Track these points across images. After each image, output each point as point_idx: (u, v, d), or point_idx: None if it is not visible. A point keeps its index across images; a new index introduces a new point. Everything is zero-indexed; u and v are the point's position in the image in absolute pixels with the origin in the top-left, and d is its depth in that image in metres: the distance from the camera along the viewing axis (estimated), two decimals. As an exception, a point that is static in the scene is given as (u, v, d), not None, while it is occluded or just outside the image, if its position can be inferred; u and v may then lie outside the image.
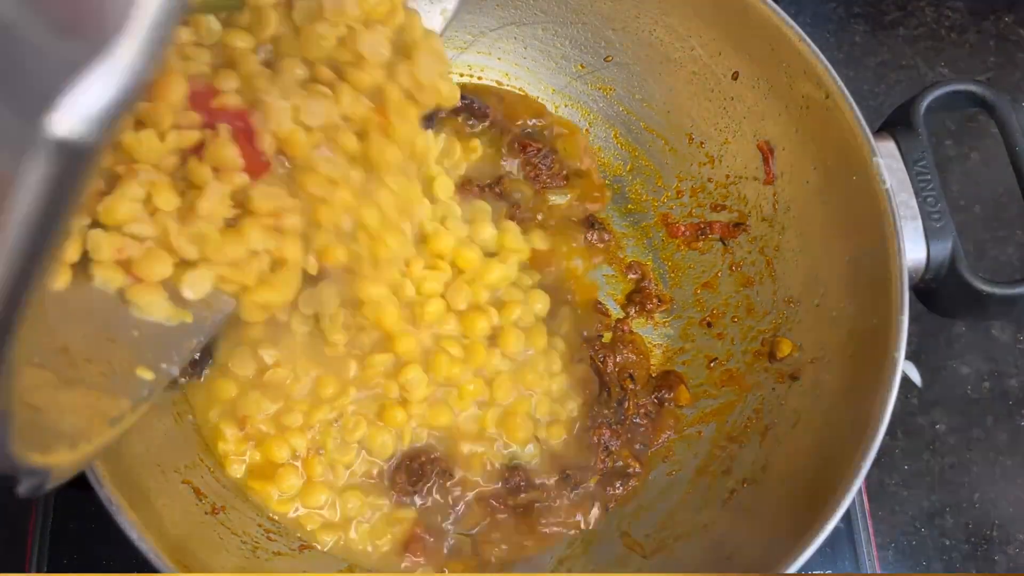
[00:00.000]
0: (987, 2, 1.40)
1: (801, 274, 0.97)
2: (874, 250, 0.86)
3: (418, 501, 0.91)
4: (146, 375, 0.68)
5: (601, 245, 1.07)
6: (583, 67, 1.10)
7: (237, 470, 0.90)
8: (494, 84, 1.13)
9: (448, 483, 0.92)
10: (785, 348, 0.96)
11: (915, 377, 1.18)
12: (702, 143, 1.06)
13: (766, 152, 1.00)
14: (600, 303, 1.04)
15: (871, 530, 1.02)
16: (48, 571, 0.94)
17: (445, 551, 0.91)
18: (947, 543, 1.12)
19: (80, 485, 0.92)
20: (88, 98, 0.33)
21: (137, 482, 0.79)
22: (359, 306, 0.86)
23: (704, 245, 1.07)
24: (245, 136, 0.69)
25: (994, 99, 0.92)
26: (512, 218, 1.03)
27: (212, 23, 0.73)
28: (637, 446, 0.98)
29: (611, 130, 1.13)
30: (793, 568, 0.76)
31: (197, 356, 0.89)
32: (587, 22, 1.06)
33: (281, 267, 0.74)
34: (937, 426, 1.17)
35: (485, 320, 0.95)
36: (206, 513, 0.85)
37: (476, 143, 1.07)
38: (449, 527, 0.92)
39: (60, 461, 0.56)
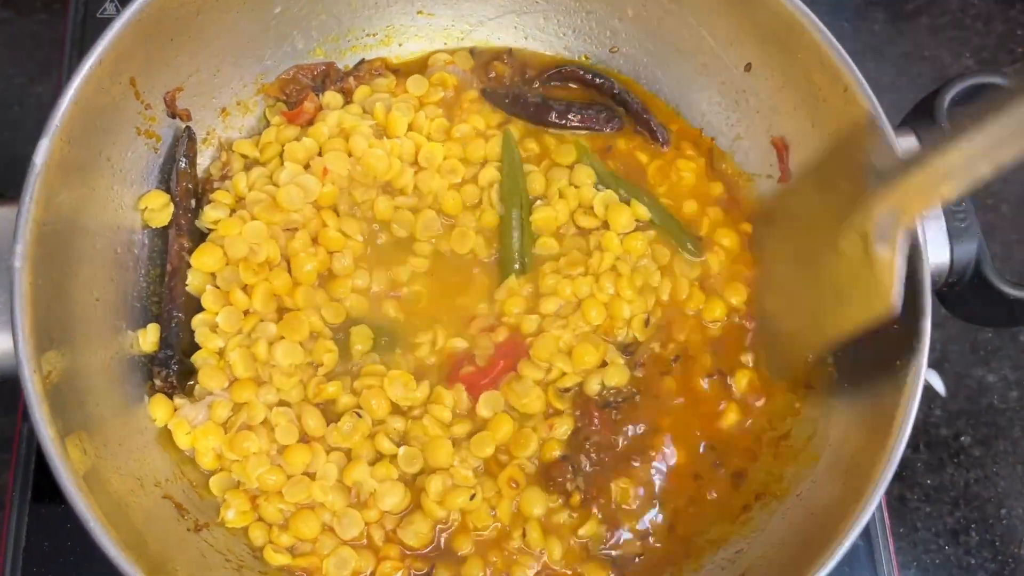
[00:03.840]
0: (1014, -11, 1.38)
1: (817, 277, 0.95)
2: (895, 252, 0.83)
3: None
4: None
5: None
6: (587, 58, 1.07)
7: (279, 558, 0.85)
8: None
9: None
10: (800, 354, 0.94)
11: (938, 386, 1.15)
12: (713, 138, 1.04)
13: (781, 148, 0.98)
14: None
15: (892, 548, 1.01)
16: (22, 592, 0.91)
17: None
18: (972, 561, 1.10)
19: (55, 500, 0.91)
20: None
21: (115, 497, 0.77)
22: None
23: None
24: None
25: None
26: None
27: None
28: None
29: (618, 125, 1.11)
30: (809, 588, 0.75)
31: (178, 367, 0.88)
32: (592, 10, 1.03)
33: None
34: (961, 438, 1.15)
35: None
36: (188, 530, 0.83)
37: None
38: None
39: None
